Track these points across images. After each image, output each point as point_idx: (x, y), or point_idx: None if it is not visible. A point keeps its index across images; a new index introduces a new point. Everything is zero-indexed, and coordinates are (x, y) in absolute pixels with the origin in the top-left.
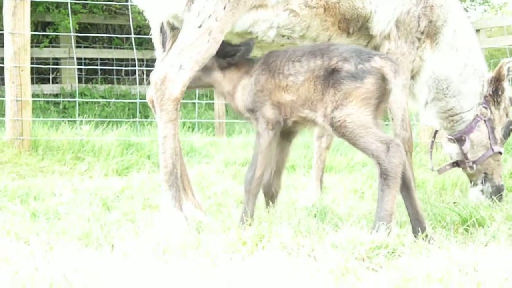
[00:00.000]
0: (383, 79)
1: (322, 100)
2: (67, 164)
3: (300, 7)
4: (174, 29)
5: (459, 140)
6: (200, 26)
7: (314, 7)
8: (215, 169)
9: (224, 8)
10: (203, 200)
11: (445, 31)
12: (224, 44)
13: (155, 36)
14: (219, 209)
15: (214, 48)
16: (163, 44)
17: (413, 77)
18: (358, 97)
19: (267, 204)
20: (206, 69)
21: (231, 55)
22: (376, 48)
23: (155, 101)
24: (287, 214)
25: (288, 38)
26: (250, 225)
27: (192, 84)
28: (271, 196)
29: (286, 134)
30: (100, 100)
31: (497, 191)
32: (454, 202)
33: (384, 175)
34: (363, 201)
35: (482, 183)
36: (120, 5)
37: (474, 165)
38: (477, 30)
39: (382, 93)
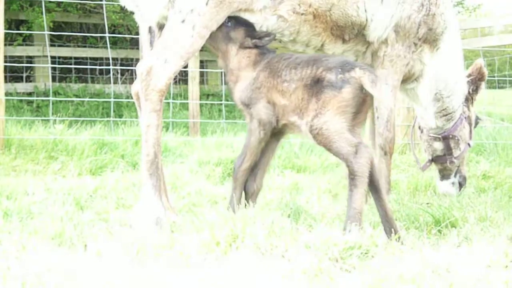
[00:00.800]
0: (361, 89)
1: (307, 109)
2: (40, 163)
3: (288, 13)
4: (161, 28)
5: (446, 138)
6: (183, 21)
7: (302, 14)
8: (189, 169)
9: (207, 3)
10: (177, 200)
11: (446, 37)
12: (254, 27)
13: (143, 35)
14: (192, 209)
15: (199, 43)
16: (151, 43)
17: (416, 79)
18: (335, 106)
19: (247, 201)
20: (227, 36)
21: (259, 37)
22: (374, 52)
23: (140, 92)
24: (260, 215)
25: (280, 42)
26: (234, 210)
27: (208, 40)
28: (251, 193)
29: (275, 133)
30: (74, 99)
31: (464, 181)
32: (427, 203)
33: (351, 175)
34: (336, 201)
35: (454, 175)
36: (94, 3)
37: (456, 160)
38: None
39: (361, 103)
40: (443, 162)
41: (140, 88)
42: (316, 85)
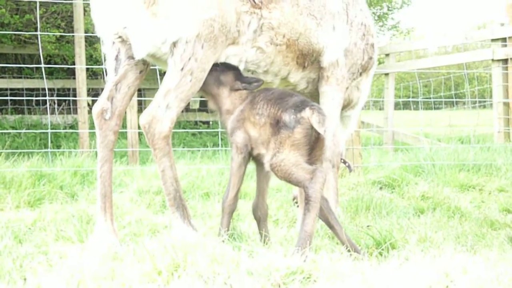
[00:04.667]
0: (312, 127)
1: (269, 147)
2: None
3: (266, 44)
4: (130, 58)
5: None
6: (182, 69)
7: (278, 45)
8: (129, 198)
9: (202, 47)
10: (117, 230)
11: (375, 64)
12: (239, 70)
13: (109, 62)
14: (133, 239)
15: (197, 85)
16: (116, 70)
17: (353, 106)
18: (289, 144)
19: (259, 227)
20: (218, 80)
21: (250, 82)
22: (322, 73)
23: (147, 142)
24: (202, 242)
25: (252, 73)
26: (224, 240)
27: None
28: (259, 220)
29: (259, 161)
30: (11, 131)
31: None
32: (368, 226)
33: (306, 200)
34: (277, 227)
35: None
36: (29, 34)
37: None
38: (387, 55)
39: (314, 141)
40: None
41: (147, 139)
42: (276, 125)
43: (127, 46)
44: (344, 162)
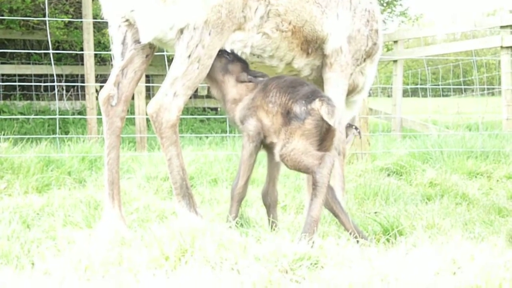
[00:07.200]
0: (323, 118)
1: (280, 138)
2: None
3: (272, 30)
4: (136, 42)
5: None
6: (189, 56)
7: (284, 31)
8: (137, 184)
9: (210, 34)
10: (125, 216)
11: (380, 49)
12: (247, 63)
13: (116, 46)
14: (141, 225)
15: (204, 73)
16: (122, 54)
17: (359, 91)
18: (299, 134)
19: (268, 213)
20: (225, 68)
21: (256, 76)
22: (325, 60)
23: (154, 130)
24: (210, 228)
25: (258, 57)
26: (231, 227)
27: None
28: (268, 206)
29: (270, 148)
30: (19, 116)
31: None
32: (375, 212)
33: (313, 185)
34: (286, 213)
35: None
36: (37, 20)
37: None
38: (395, 42)
39: (325, 132)
40: None
41: (153, 128)
42: (287, 116)
43: (133, 30)
44: (356, 128)
